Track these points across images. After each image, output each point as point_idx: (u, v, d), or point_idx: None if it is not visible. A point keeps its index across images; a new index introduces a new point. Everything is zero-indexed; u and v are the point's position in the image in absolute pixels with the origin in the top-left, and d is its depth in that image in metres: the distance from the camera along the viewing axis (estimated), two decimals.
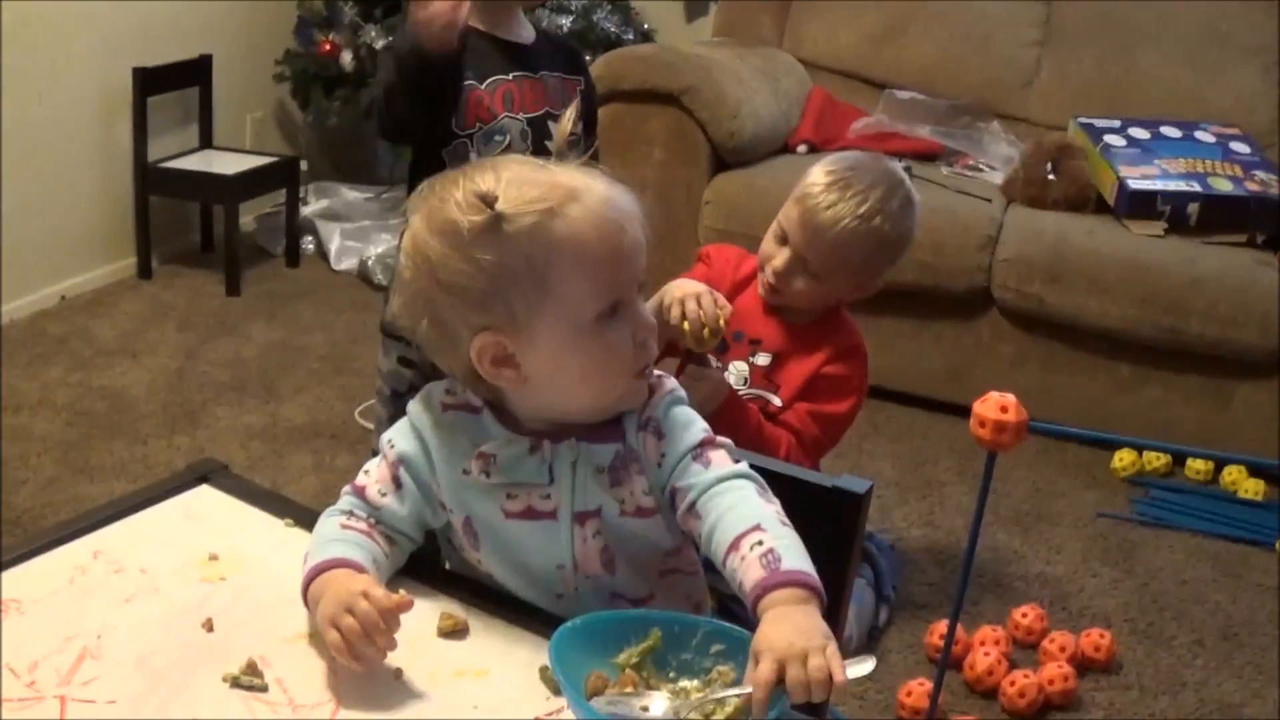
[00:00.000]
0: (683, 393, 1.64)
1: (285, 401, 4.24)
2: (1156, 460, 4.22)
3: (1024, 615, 3.27)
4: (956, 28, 5.23)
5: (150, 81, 5.11)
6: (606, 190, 1.53)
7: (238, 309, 5.00)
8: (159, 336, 4.69)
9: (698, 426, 1.61)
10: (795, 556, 1.45)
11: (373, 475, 1.63)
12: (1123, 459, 4.20)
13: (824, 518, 1.74)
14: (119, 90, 5.05)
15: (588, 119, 2.75)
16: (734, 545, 1.48)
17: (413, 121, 2.53)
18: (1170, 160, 4.56)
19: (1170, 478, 4.23)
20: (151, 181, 5.17)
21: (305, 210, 5.58)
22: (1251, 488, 4.13)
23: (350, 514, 1.61)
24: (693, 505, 1.55)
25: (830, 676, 1.33)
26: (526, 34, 2.68)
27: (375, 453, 2.52)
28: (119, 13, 5.02)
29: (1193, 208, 4.43)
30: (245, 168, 5.22)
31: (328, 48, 5.34)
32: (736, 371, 2.81)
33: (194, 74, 5.38)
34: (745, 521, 1.49)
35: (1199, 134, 4.72)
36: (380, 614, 1.41)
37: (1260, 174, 4.55)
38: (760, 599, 1.42)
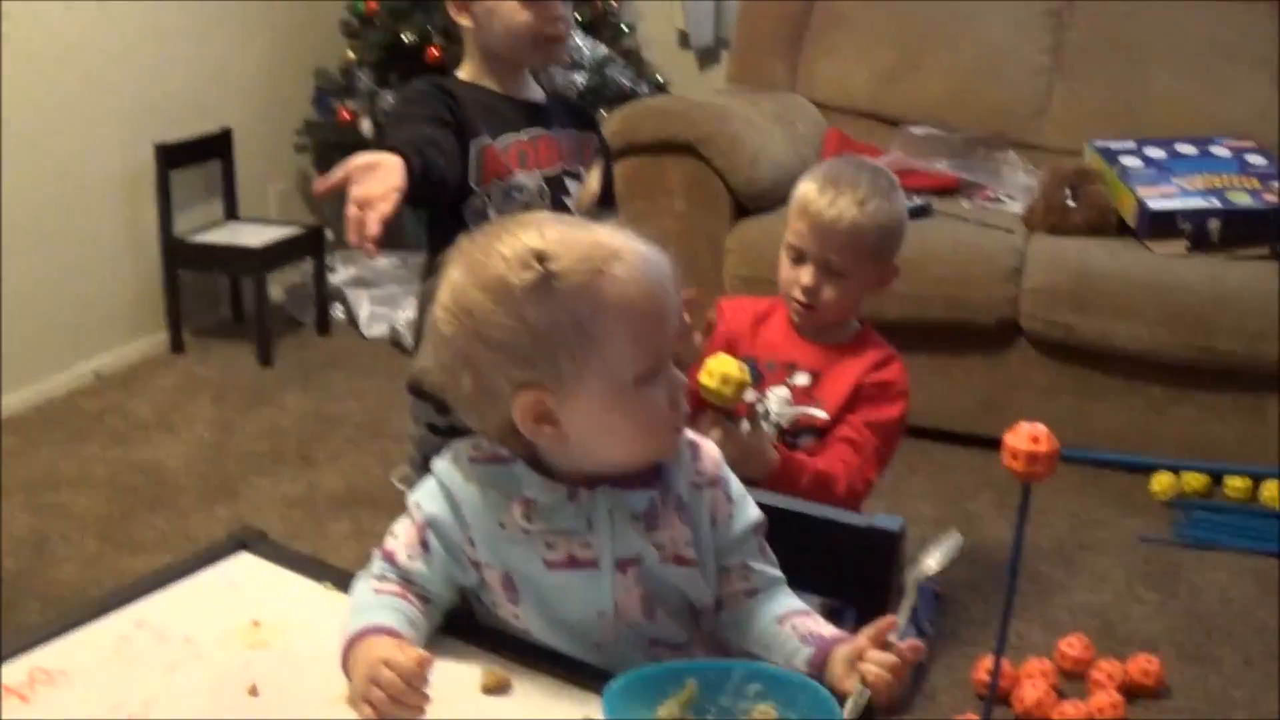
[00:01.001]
0: None
1: (322, 469, 4.27)
2: (1195, 481, 4.19)
3: (1070, 645, 3.26)
4: (967, 60, 5.26)
5: (173, 156, 5.18)
6: (646, 251, 1.55)
7: (271, 379, 5.03)
8: (194, 409, 4.73)
9: (752, 501, 1.68)
10: None
11: (401, 539, 1.62)
12: (1161, 482, 4.18)
13: (860, 558, 1.76)
14: (142, 166, 5.11)
15: (605, 176, 2.77)
16: (787, 616, 1.62)
17: (418, 205, 2.51)
18: (1188, 178, 4.56)
19: (1210, 497, 4.20)
20: (179, 256, 5.23)
21: (333, 278, 5.61)
22: None
23: (382, 578, 1.61)
24: (754, 592, 1.66)
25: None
26: (537, 93, 2.69)
27: None
28: (139, 88, 5.09)
29: (1214, 224, 4.43)
30: (271, 239, 5.26)
31: (347, 116, 5.39)
32: (777, 396, 2.82)
33: (216, 147, 5.43)
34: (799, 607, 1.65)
35: (1214, 149, 4.72)
36: (405, 678, 1.42)
37: (1278, 184, 4.54)
38: (836, 644, 1.55)
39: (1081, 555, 3.86)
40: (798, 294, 2.78)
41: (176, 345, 5.28)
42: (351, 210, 1.97)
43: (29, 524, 3.90)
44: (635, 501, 1.58)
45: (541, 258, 1.48)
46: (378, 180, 2.00)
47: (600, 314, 1.49)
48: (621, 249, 1.52)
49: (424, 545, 1.60)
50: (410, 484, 2.77)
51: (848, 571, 1.74)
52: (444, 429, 2.63)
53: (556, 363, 1.49)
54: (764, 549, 1.69)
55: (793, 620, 1.63)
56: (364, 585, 1.62)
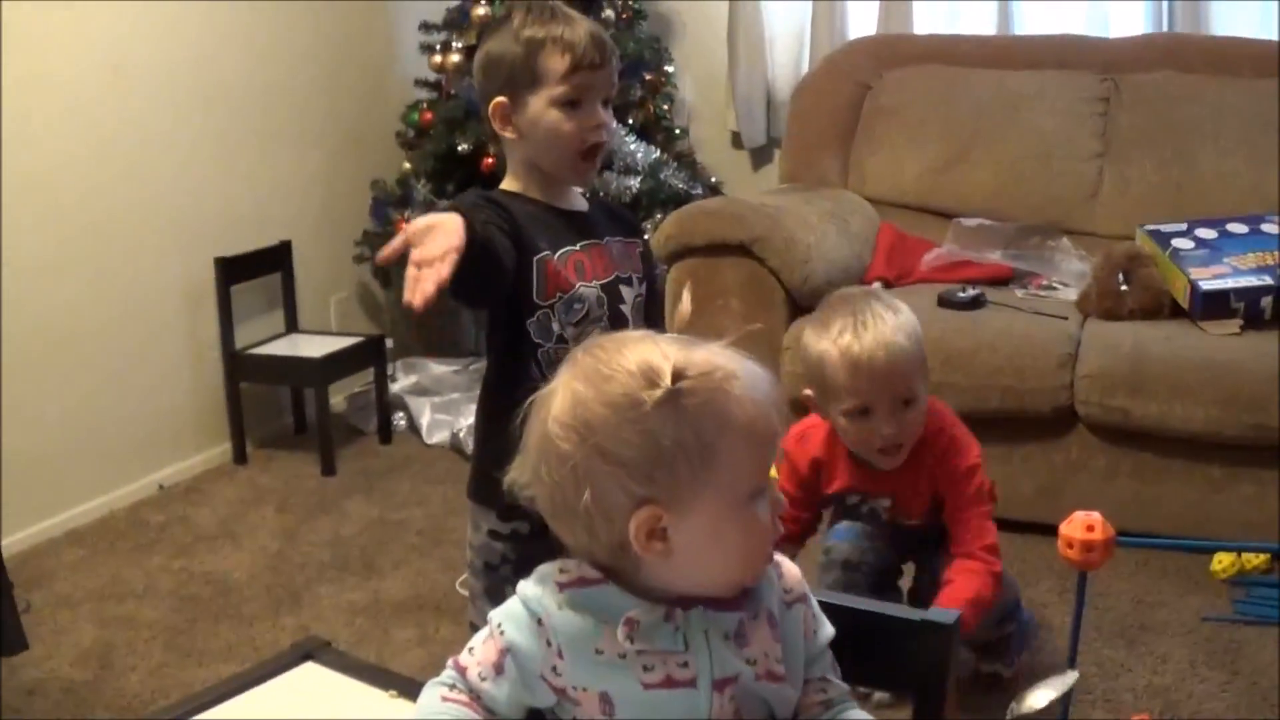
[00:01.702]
0: None
1: (386, 577, 4.29)
2: (1255, 559, 4.16)
3: None
4: (1017, 149, 5.26)
5: (232, 270, 5.25)
6: (758, 369, 1.56)
7: (334, 488, 5.07)
8: (258, 519, 4.78)
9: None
10: None
11: (476, 655, 1.60)
12: (1221, 560, 4.15)
13: (916, 651, 1.77)
14: (202, 279, 5.19)
15: (650, 280, 2.79)
16: None
17: (472, 295, 2.53)
18: (1239, 256, 4.55)
19: (1270, 574, 4.17)
20: (240, 368, 5.29)
21: (394, 387, 5.67)
22: None
23: (452, 687, 1.60)
24: (829, 704, 1.68)
25: None
26: (580, 203, 2.71)
27: (474, 625, 2.57)
28: (200, 203, 5.18)
29: (1266, 301, 4.42)
30: (331, 350, 5.32)
31: (404, 226, 5.42)
32: (881, 505, 3.18)
33: (275, 260, 5.51)
34: None
35: (1265, 226, 4.70)
36: None
37: None
38: None
39: (1144, 637, 3.83)
40: (884, 443, 2.97)
41: (240, 456, 5.34)
42: (410, 271, 1.99)
43: (96, 635, 3.94)
44: (727, 622, 1.58)
45: (668, 375, 1.48)
46: (437, 243, 2.02)
47: (722, 431, 1.49)
48: (737, 368, 1.52)
49: (499, 668, 1.58)
50: (473, 592, 2.80)
51: (904, 665, 1.75)
52: (506, 535, 2.66)
53: (676, 479, 1.49)
54: (835, 663, 1.71)
55: None
56: (432, 692, 1.61)
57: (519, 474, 1.58)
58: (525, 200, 2.62)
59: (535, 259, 2.54)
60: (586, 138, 2.57)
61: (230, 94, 5.29)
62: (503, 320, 2.59)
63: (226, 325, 5.25)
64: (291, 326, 5.58)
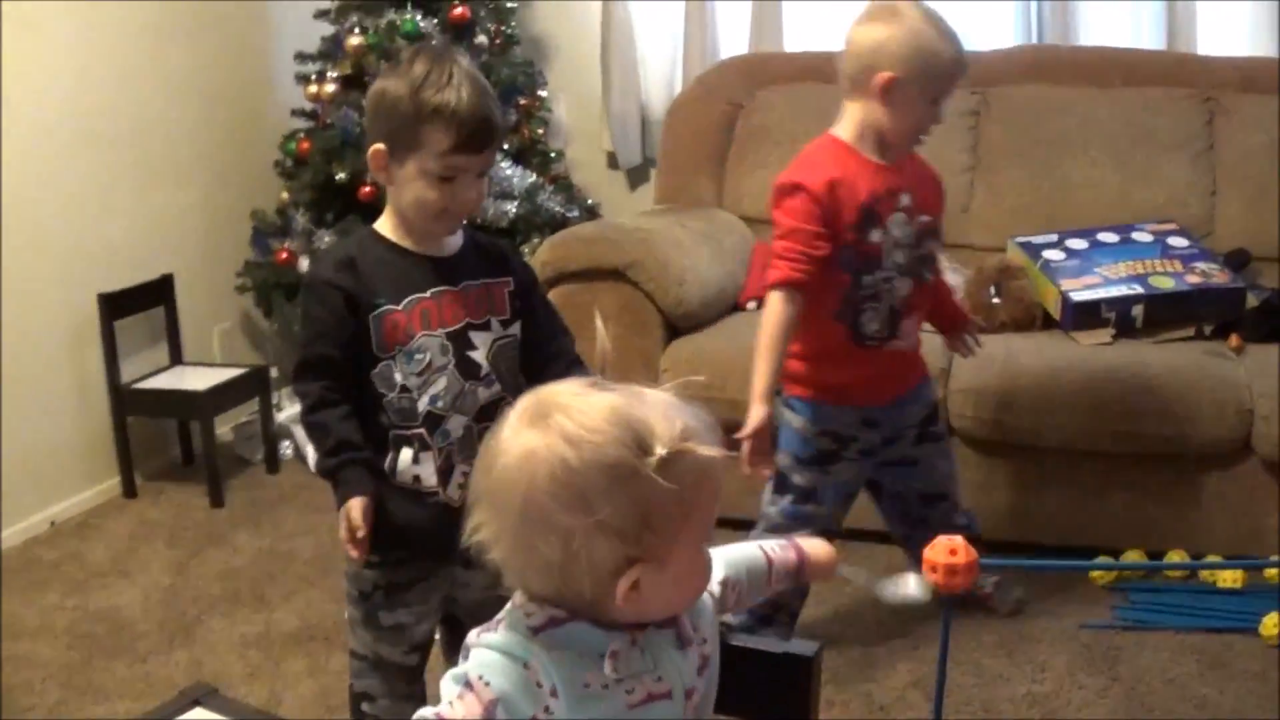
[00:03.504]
0: None
1: (277, 608, 4.33)
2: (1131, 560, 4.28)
3: None
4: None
5: (115, 305, 5.27)
6: (705, 417, 1.60)
7: (223, 520, 5.11)
8: (149, 554, 4.80)
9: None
10: None
11: (459, 711, 1.56)
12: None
13: (778, 683, 1.86)
14: (86, 315, 5.20)
15: (531, 307, 2.83)
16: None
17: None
18: (1110, 266, 4.66)
19: (1150, 579, 4.29)
20: (126, 403, 5.31)
21: (280, 416, 5.71)
22: (1229, 576, 4.17)
23: None
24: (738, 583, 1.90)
25: None
26: (451, 244, 2.75)
27: (354, 653, 2.69)
28: (80, 239, 5.19)
29: (1137, 310, 4.54)
30: (216, 381, 5.35)
31: (285, 256, 5.48)
32: (897, 222, 3.49)
33: (158, 294, 5.53)
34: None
35: (1135, 234, 4.82)
36: None
37: (1200, 264, 4.65)
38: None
39: (1024, 646, 3.93)
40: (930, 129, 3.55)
41: (129, 490, 5.36)
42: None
43: None
44: (669, 636, 1.67)
45: (659, 442, 1.52)
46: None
47: (699, 489, 1.56)
48: (698, 424, 1.58)
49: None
50: (351, 620, 2.88)
51: (766, 697, 1.84)
52: (376, 563, 2.78)
53: (660, 537, 1.54)
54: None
55: (772, 560, 1.98)
56: None
57: (480, 532, 1.60)
58: (385, 246, 2.70)
59: (371, 316, 2.64)
60: (451, 211, 2.65)
61: (107, 129, 5.30)
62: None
63: (111, 360, 5.27)
64: (176, 359, 5.61)
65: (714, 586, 1.83)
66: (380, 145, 2.65)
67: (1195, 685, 3.69)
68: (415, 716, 1.56)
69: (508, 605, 1.65)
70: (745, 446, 3.35)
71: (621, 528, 1.52)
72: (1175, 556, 4.28)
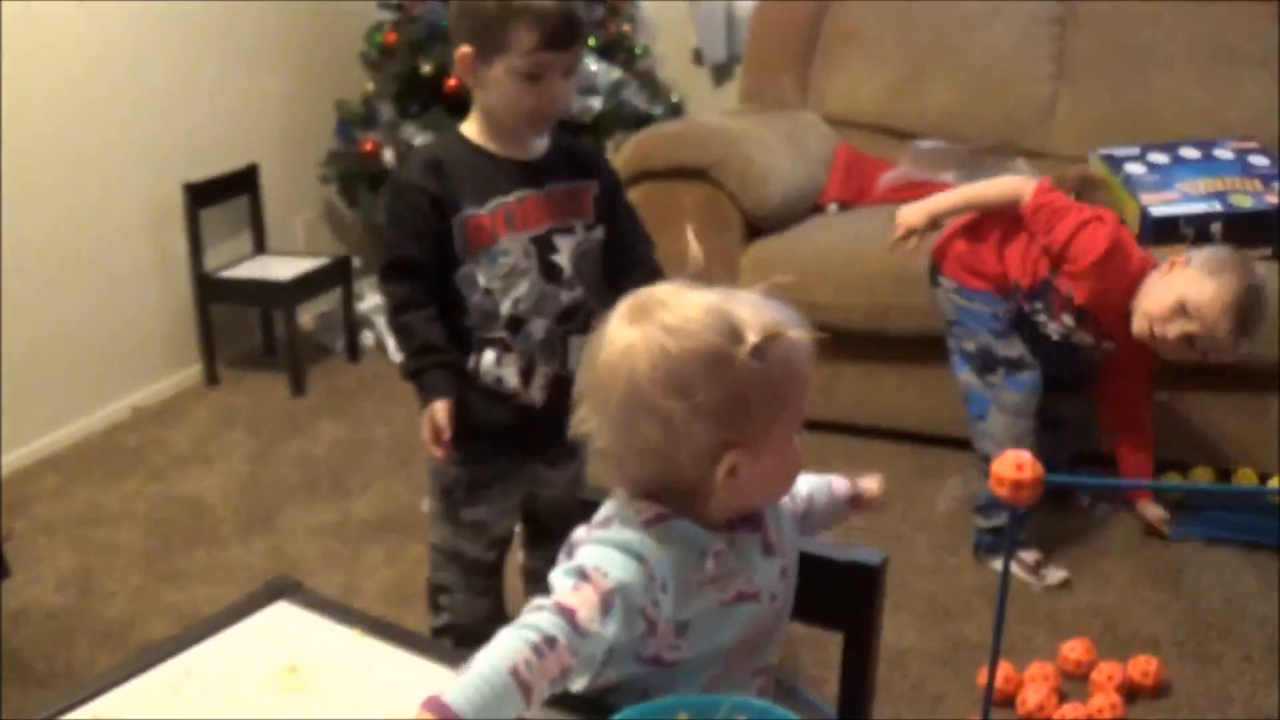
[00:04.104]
0: None
1: (355, 497, 4.40)
2: (1202, 478, 4.22)
3: (1072, 649, 3.35)
4: (973, 70, 5.31)
5: (200, 194, 5.33)
6: (796, 317, 1.66)
7: (304, 408, 5.18)
8: (230, 441, 4.88)
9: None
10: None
11: (577, 599, 1.58)
12: (1167, 480, 4.25)
13: (844, 589, 1.88)
14: (171, 204, 5.26)
15: (615, 212, 2.85)
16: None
17: None
18: (1191, 182, 4.57)
19: (1216, 496, 4.25)
20: (210, 292, 5.38)
21: (361, 306, 5.76)
22: None
23: (552, 643, 1.53)
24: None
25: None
26: (538, 146, 2.74)
27: (435, 546, 2.72)
28: (165, 129, 5.24)
29: (1215, 228, 4.43)
30: (299, 271, 5.40)
31: (369, 147, 5.50)
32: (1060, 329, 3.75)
33: (242, 184, 5.58)
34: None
35: (1217, 152, 4.71)
36: None
37: None
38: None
39: (1088, 557, 3.93)
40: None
41: (211, 378, 5.43)
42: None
43: (74, 560, 4.05)
44: (755, 540, 1.73)
45: (751, 330, 1.59)
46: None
47: (790, 379, 1.64)
48: (784, 317, 1.64)
49: (606, 608, 1.59)
50: (432, 514, 2.91)
51: (833, 602, 1.87)
52: (459, 460, 2.78)
53: (754, 423, 1.62)
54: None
55: (834, 489, 2.05)
56: (516, 649, 1.52)
57: (584, 424, 1.68)
58: (472, 149, 2.70)
59: (455, 218, 2.64)
60: (543, 109, 2.63)
61: (192, 16, 5.33)
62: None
63: (195, 249, 5.33)
64: (259, 248, 5.66)
65: (799, 498, 1.91)
66: (466, 48, 2.63)
67: (1253, 604, 3.68)
68: (532, 604, 1.58)
69: (608, 504, 1.71)
70: (901, 224, 3.87)
71: (717, 411, 1.59)
72: (1244, 475, 4.26)
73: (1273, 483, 4.20)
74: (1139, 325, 3.56)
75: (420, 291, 2.68)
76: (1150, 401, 4.00)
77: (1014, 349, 3.81)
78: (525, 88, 2.61)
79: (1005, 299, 3.79)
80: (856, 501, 2.06)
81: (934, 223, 3.82)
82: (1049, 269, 3.69)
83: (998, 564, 3.81)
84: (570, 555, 1.68)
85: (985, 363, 3.83)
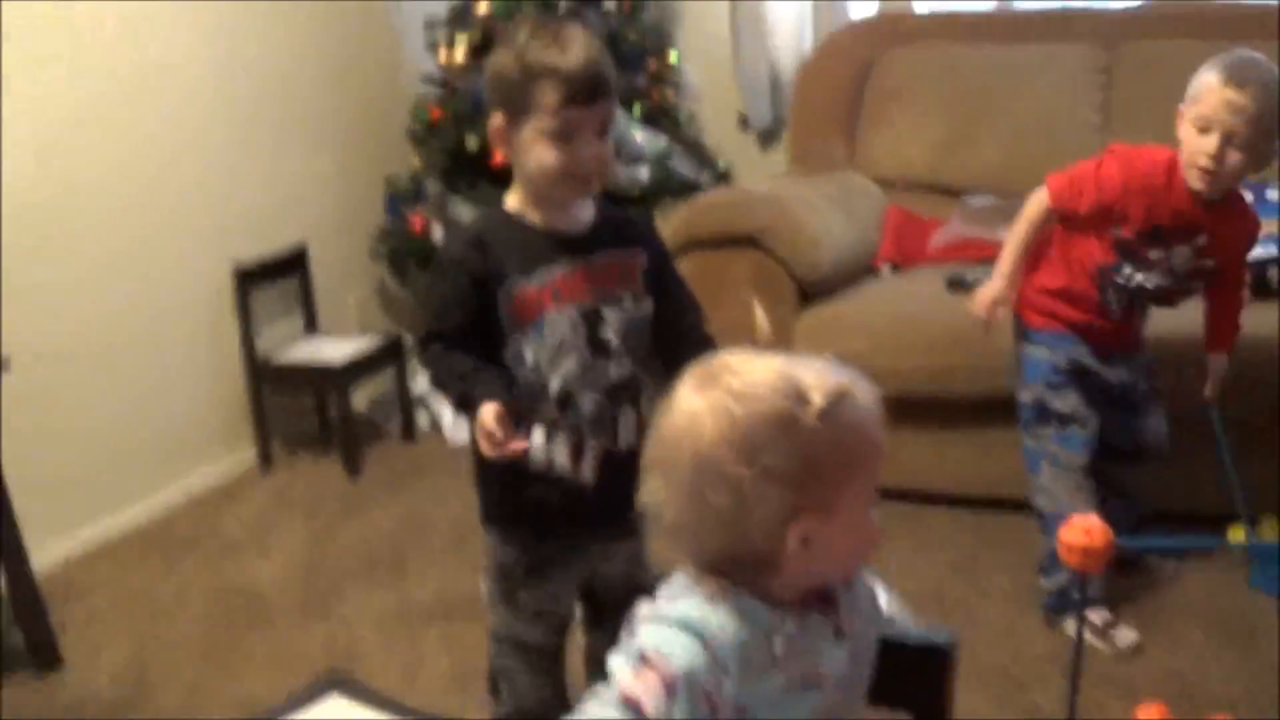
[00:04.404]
0: None
1: (413, 580, 4.34)
2: (1270, 530, 4.12)
3: (1148, 713, 3.26)
4: (1020, 125, 5.27)
5: (251, 276, 5.32)
6: (867, 385, 1.65)
7: (359, 491, 5.14)
8: (286, 525, 4.84)
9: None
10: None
11: (641, 687, 1.54)
12: (1235, 534, 4.13)
13: (910, 673, 1.83)
14: (221, 286, 5.26)
15: (664, 283, 2.79)
16: None
17: None
18: None
19: None
20: (263, 377, 5.36)
21: (415, 386, 5.72)
22: None
23: None
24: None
25: None
26: (583, 217, 2.69)
27: (494, 633, 2.65)
28: (216, 210, 5.24)
29: (1273, 272, 4.41)
30: (352, 352, 5.37)
31: (418, 223, 5.49)
32: (1181, 254, 3.64)
33: (293, 264, 5.57)
34: None
35: (1270, 193, 4.66)
36: None
37: None
38: None
39: (1161, 616, 3.85)
40: (1204, 161, 3.47)
41: (265, 461, 5.41)
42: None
43: (131, 651, 4.01)
44: (829, 620, 1.68)
45: (819, 392, 1.57)
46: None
47: (860, 443, 1.61)
48: (851, 381, 1.62)
49: (671, 694, 1.54)
50: (490, 598, 2.86)
51: (902, 683, 1.82)
52: (515, 540, 2.76)
53: (825, 489, 1.58)
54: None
55: None
56: None
57: (652, 497, 1.64)
58: (516, 226, 2.64)
59: (501, 290, 2.59)
60: (573, 172, 2.57)
61: (242, 99, 5.35)
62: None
63: (246, 331, 5.32)
64: (311, 328, 5.65)
65: (885, 609, 1.85)
66: (498, 117, 2.60)
67: None
68: (593, 692, 1.56)
69: (674, 579, 1.67)
70: (983, 303, 3.72)
71: (786, 476, 1.55)
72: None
73: None
74: (1189, 177, 3.55)
75: (459, 350, 2.64)
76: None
77: (1067, 403, 3.76)
78: (556, 149, 2.56)
79: (1074, 333, 3.78)
80: None
81: (1011, 283, 3.76)
82: (1111, 227, 3.66)
83: (1068, 627, 3.74)
84: (631, 632, 1.63)
85: (1039, 415, 3.80)
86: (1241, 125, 3.42)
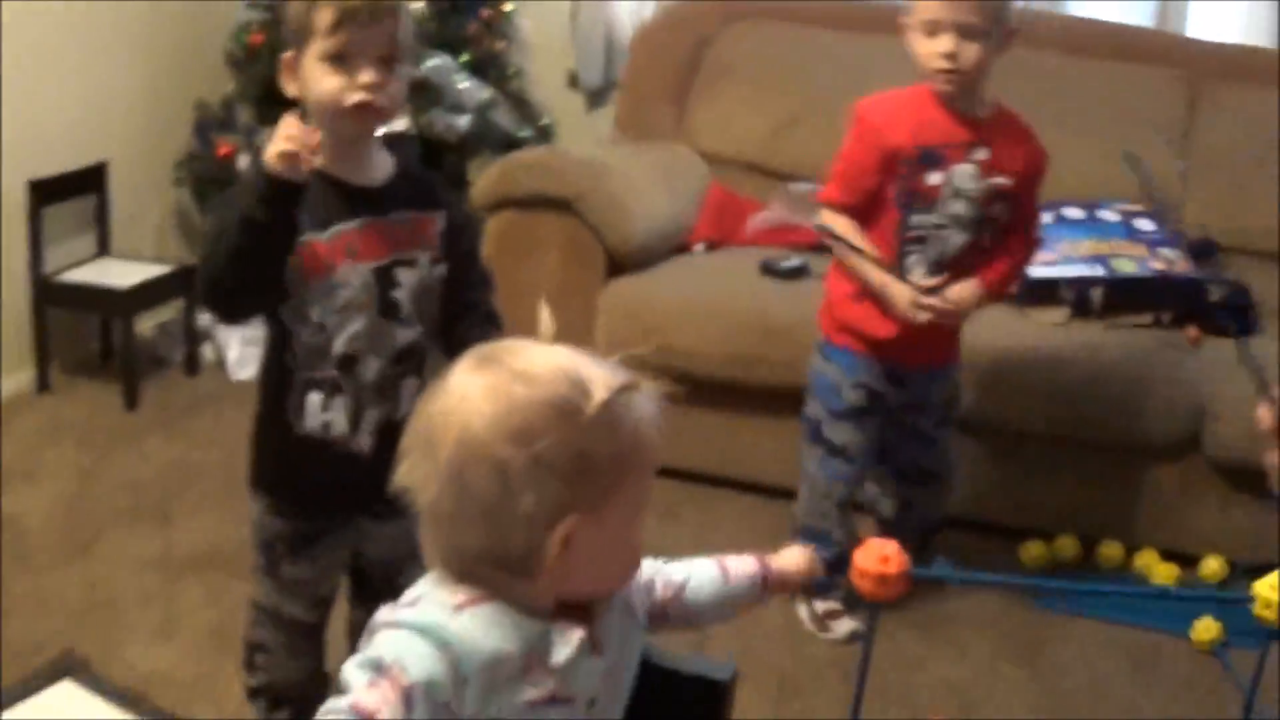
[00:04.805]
0: None
1: (180, 526, 4.19)
2: (1067, 548, 4.19)
3: None
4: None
5: (46, 192, 5.10)
6: (651, 388, 1.59)
7: (136, 422, 4.96)
8: (56, 454, 4.64)
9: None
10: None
11: (373, 700, 1.46)
12: (1030, 550, 4.17)
13: (684, 705, 1.75)
14: (13, 201, 5.02)
15: (458, 251, 2.69)
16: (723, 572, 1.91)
17: (245, 290, 2.48)
18: (1073, 244, 4.51)
19: (1082, 567, 4.18)
20: (48, 295, 5.15)
21: (203, 318, 5.52)
22: (1164, 573, 4.09)
23: None
24: (683, 585, 1.87)
25: None
26: (380, 173, 2.60)
27: (256, 603, 2.50)
28: (12, 120, 4.98)
29: (1096, 292, 4.39)
30: (142, 278, 5.19)
31: (225, 150, 5.32)
32: (963, 173, 3.49)
33: (90, 182, 5.36)
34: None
35: (1102, 213, 4.66)
36: None
37: (1165, 251, 4.50)
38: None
39: (944, 628, 3.84)
40: (942, 61, 3.40)
41: (43, 384, 5.21)
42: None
43: None
44: (583, 632, 1.60)
45: (599, 386, 1.52)
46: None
47: (635, 444, 1.55)
48: (633, 381, 1.55)
49: (408, 706, 1.47)
50: (254, 566, 2.74)
51: (675, 716, 1.77)
52: (280, 512, 2.67)
53: (595, 489, 1.52)
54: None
55: (729, 571, 1.92)
56: None
57: (409, 477, 1.56)
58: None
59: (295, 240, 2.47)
60: (349, 96, 2.47)
61: (46, 7, 5.11)
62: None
63: (36, 249, 5.10)
64: (103, 250, 5.44)
65: (670, 585, 1.85)
66: (288, 53, 2.55)
67: (1121, 686, 3.61)
68: (325, 708, 1.47)
69: (420, 584, 1.59)
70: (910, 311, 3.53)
71: (557, 465, 1.48)
72: (1108, 547, 4.21)
73: (1141, 556, 4.16)
74: (936, 85, 3.52)
75: None
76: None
77: (840, 436, 3.70)
78: (332, 71, 2.47)
79: (872, 353, 3.66)
80: (770, 582, 1.95)
81: (894, 274, 3.60)
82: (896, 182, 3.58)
83: (837, 627, 3.79)
84: (370, 639, 1.54)
85: (813, 435, 3.76)
86: (966, 14, 3.36)
